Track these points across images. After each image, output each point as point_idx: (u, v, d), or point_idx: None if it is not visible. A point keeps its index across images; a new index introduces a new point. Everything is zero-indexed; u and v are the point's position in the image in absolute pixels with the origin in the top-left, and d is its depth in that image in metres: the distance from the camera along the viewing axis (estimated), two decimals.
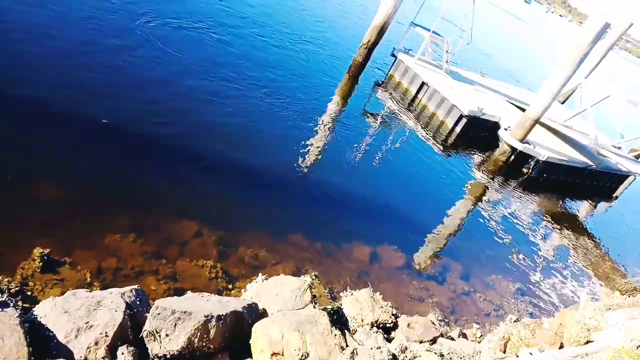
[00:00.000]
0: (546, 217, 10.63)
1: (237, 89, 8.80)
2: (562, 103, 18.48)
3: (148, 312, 3.39)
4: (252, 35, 11.57)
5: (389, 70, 13.81)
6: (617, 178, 14.36)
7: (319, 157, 8.23)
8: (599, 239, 10.93)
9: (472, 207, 9.50)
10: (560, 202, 12.16)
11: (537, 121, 11.20)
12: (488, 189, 10.56)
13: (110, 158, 5.94)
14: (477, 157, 11.77)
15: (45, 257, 4.33)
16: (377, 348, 3.71)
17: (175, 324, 3.30)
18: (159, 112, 7.13)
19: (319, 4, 17.94)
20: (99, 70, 7.31)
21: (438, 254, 7.50)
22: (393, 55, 13.60)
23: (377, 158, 9.17)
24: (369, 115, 11.23)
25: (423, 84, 12.83)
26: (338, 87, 11.74)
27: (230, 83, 8.83)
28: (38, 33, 7.37)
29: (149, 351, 3.29)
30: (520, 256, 8.38)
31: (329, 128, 9.40)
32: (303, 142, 8.29)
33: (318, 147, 8.46)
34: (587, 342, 4.23)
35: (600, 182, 13.97)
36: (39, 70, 6.66)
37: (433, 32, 13.16)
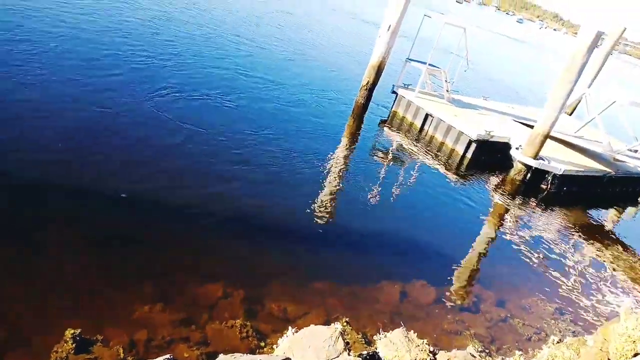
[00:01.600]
0: (573, 230, 10.41)
1: (251, 143, 9.00)
2: (570, 115, 18.45)
3: None
4: (259, 92, 11.91)
5: (391, 107, 14.00)
6: (638, 181, 14.10)
7: (334, 199, 8.28)
8: (631, 246, 10.63)
9: (497, 231, 9.37)
10: (585, 214, 11.93)
11: (547, 136, 11.17)
12: (509, 210, 10.43)
13: (129, 230, 6.05)
14: (493, 180, 11.70)
15: (77, 338, 4.36)
16: None
17: None
18: (171, 178, 7.29)
19: (312, 48, 18.52)
20: (113, 146, 7.55)
21: (469, 283, 7.36)
22: (394, 92, 13.83)
23: (392, 194, 9.17)
24: (378, 152, 11.33)
25: (427, 115, 12.96)
26: (344, 130, 11.93)
27: (243, 136, 9.04)
28: (49, 112, 7.70)
29: None
30: (554, 274, 8.17)
31: (340, 170, 9.48)
32: (316, 187, 8.36)
33: (332, 189, 8.52)
34: (635, 354, 4.07)
35: (623, 188, 13.72)
36: (54, 151, 6.91)
37: (429, 64, 13.40)
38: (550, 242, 9.37)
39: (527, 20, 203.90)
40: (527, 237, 9.23)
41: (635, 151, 12.84)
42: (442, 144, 12.56)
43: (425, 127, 13.07)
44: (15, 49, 9.54)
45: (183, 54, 12.82)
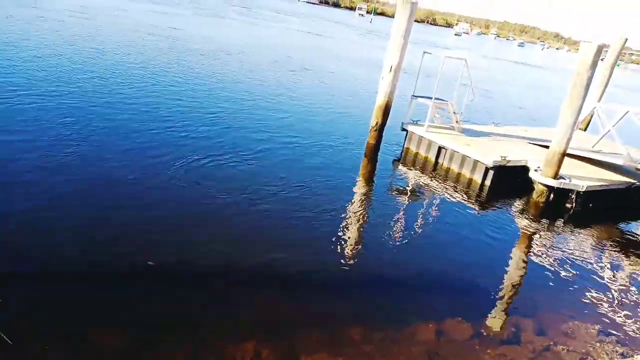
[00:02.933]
0: (606, 247, 10.12)
1: (270, 194, 9.10)
2: (584, 130, 18.30)
3: None
4: (274, 144, 12.13)
5: (403, 145, 14.10)
6: None
7: (358, 241, 8.23)
8: None
9: (527, 256, 9.16)
10: (616, 228, 11.62)
11: (564, 154, 11.07)
12: (537, 234, 10.22)
13: (158, 298, 6.07)
14: (516, 205, 11.54)
15: None
16: None
17: None
18: (194, 243, 7.37)
19: (322, 94, 18.91)
20: (139, 219, 7.70)
21: (506, 314, 7.15)
22: (403, 129, 13.96)
23: (416, 231, 9.09)
24: (396, 191, 11.32)
25: (440, 148, 13.00)
26: (360, 172, 12.02)
27: (263, 188, 9.14)
28: (76, 193, 7.93)
29: None
30: (593, 295, 7.89)
31: (361, 212, 9.47)
32: (338, 230, 8.33)
33: (354, 232, 8.48)
34: None
35: None
36: (78, 229, 7.06)
37: (435, 98, 13.55)
38: (585, 261, 9.11)
39: (528, 43, 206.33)
40: (559, 260, 8.99)
41: None
42: (459, 174, 12.52)
43: (440, 160, 13.08)
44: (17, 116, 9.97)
45: (197, 110, 13.22)
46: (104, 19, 30.34)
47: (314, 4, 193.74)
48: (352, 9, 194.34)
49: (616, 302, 7.79)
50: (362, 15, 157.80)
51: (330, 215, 8.94)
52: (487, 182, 11.96)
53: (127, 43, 23.06)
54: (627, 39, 19.07)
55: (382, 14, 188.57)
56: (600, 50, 10.61)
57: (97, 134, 10.66)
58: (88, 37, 22.47)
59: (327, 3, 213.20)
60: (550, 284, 8.10)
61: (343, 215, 9.08)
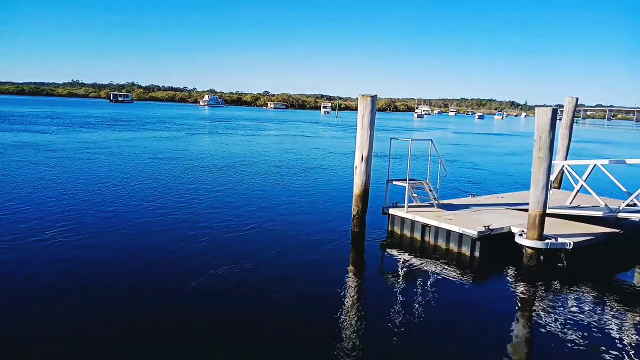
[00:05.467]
0: (606, 300, 9.97)
1: (260, 287, 8.86)
2: (558, 187, 18.76)
3: None
4: (258, 245, 12.05)
5: (387, 228, 14.16)
6: None
7: (353, 331, 7.92)
8: None
9: (531, 324, 8.92)
10: (612, 280, 11.54)
11: (544, 215, 11.23)
12: (536, 299, 10.05)
13: None
14: (509, 273, 11.45)
15: None
16: None
17: None
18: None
19: (305, 187, 19.17)
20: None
21: None
22: (385, 213, 14.11)
23: (413, 313, 8.83)
24: (387, 275, 11.17)
25: (424, 226, 13.09)
26: (349, 261, 11.94)
27: (255, 284, 8.91)
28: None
29: None
30: (604, 352, 7.62)
31: (353, 301, 9.24)
32: (331, 324, 8.04)
33: (348, 322, 8.19)
34: None
35: (638, 244, 13.51)
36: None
37: (410, 179, 13.87)
38: (589, 319, 8.90)
39: (487, 115, 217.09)
40: (564, 322, 8.77)
41: (634, 204, 12.86)
42: (447, 249, 12.51)
43: (426, 238, 13.11)
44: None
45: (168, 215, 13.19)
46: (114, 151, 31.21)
47: (281, 109, 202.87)
48: (317, 108, 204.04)
49: (631, 354, 7.53)
50: (328, 112, 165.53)
51: (326, 311, 8.71)
52: (476, 254, 11.94)
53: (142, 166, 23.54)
54: (577, 98, 20.24)
55: (346, 108, 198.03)
56: (555, 112, 11.20)
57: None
58: (116, 165, 22.96)
59: (293, 106, 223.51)
60: (560, 349, 7.83)
61: (336, 308, 8.84)
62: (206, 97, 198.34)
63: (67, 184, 19.68)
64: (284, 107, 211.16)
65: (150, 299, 9.04)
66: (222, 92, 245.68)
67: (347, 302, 9.30)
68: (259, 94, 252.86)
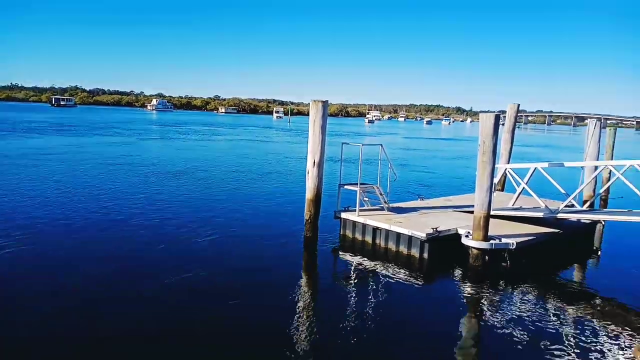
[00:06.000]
0: (549, 297, 10.45)
1: (212, 292, 8.71)
2: (502, 190, 19.52)
3: None
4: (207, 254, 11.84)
5: (339, 232, 14.28)
6: (587, 232, 14.77)
7: (306, 335, 7.92)
8: (608, 294, 10.77)
9: (478, 323, 9.21)
10: (551, 277, 12.11)
11: (488, 216, 11.65)
12: (483, 298, 10.39)
13: None
14: (456, 273, 11.79)
15: None
16: None
17: None
18: None
19: (258, 192, 19.03)
20: None
21: None
22: (337, 217, 14.22)
23: (365, 315, 8.92)
24: (340, 278, 11.26)
25: (374, 229, 13.29)
26: (302, 266, 12.01)
27: (205, 290, 8.74)
28: None
29: None
30: (549, 348, 7.97)
31: (305, 306, 9.25)
32: (283, 329, 8.01)
33: (301, 327, 8.19)
34: None
35: (576, 243, 14.25)
36: None
37: (361, 183, 14.05)
38: (532, 316, 9.29)
39: (435, 121, 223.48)
40: (509, 320, 9.11)
41: (572, 205, 13.56)
42: (397, 252, 12.75)
43: (377, 241, 13.31)
44: None
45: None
46: (69, 157, 29.69)
47: (232, 113, 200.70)
48: (269, 113, 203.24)
49: (571, 351, 7.91)
50: (280, 117, 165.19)
51: (276, 314, 8.67)
52: (425, 255, 12.23)
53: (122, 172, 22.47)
54: (519, 104, 21.17)
55: (298, 113, 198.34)
56: (498, 118, 11.66)
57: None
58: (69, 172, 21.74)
59: (244, 111, 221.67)
60: (505, 345, 8.13)
61: (289, 313, 8.82)
62: (154, 102, 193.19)
63: (15, 193, 18.65)
64: (235, 111, 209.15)
65: (99, 306, 8.71)
66: (171, 96, 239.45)
67: (299, 306, 9.29)
68: (210, 98, 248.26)
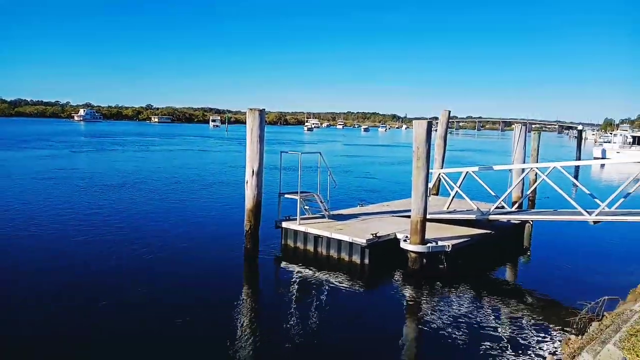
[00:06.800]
0: (485, 296, 10.86)
1: (151, 311, 8.34)
2: (437, 194, 20.17)
3: None
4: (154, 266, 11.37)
5: (281, 241, 14.17)
6: (516, 231, 15.54)
7: (250, 344, 7.77)
8: (539, 290, 11.36)
9: (419, 325, 9.42)
10: (488, 277, 12.62)
11: (425, 220, 11.98)
12: (421, 300, 10.64)
13: None
14: (396, 277, 12.01)
15: None
16: None
17: None
18: None
19: (195, 203, 18.53)
20: None
21: None
22: (277, 227, 14.11)
23: (308, 322, 8.88)
24: (282, 288, 11.17)
25: (316, 237, 13.31)
26: (242, 277, 11.90)
27: (145, 302, 8.35)
28: None
29: None
30: (487, 344, 8.27)
31: (248, 317, 9.09)
32: (226, 341, 7.82)
33: (244, 338, 8.03)
34: None
35: (507, 242, 14.94)
36: None
37: (301, 192, 14.03)
38: (469, 315, 9.62)
39: (372, 128, 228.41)
40: (447, 320, 9.38)
41: (502, 207, 14.20)
42: (339, 259, 12.82)
43: (319, 249, 13.33)
44: None
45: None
46: None
47: (166, 122, 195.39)
48: (205, 121, 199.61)
49: (504, 348, 8.25)
50: (217, 126, 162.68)
51: (218, 328, 8.45)
52: (366, 261, 12.38)
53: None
54: (450, 111, 22.03)
55: (236, 121, 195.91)
56: (430, 124, 12.04)
57: None
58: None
59: (179, 119, 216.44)
60: (444, 343, 8.36)
61: (231, 325, 8.63)
62: (82, 112, 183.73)
63: None
64: (169, 120, 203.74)
65: (41, 315, 8.12)
66: (99, 106, 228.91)
67: (242, 318, 9.11)
68: (142, 107, 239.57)
